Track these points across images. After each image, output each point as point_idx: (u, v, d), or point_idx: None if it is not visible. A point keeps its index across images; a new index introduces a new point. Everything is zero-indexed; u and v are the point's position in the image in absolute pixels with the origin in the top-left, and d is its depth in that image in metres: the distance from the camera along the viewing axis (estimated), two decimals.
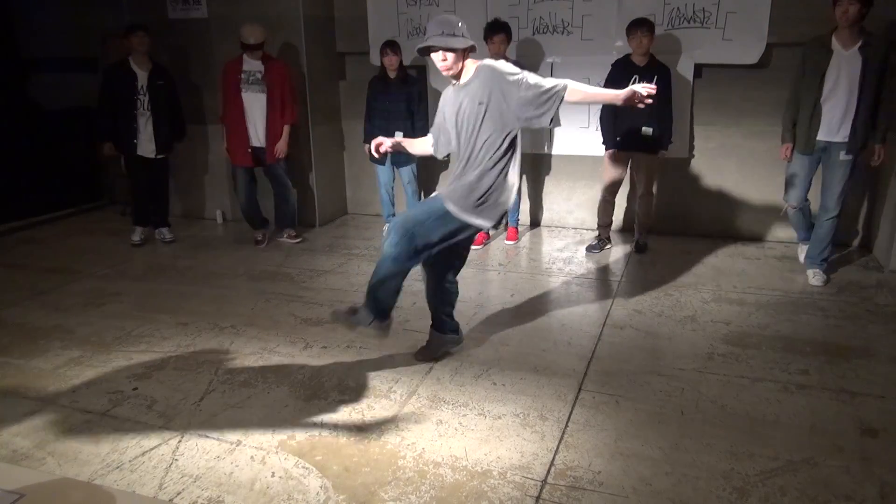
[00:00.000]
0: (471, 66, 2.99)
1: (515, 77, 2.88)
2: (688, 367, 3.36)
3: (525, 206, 6.02)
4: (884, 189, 4.86)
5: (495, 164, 2.96)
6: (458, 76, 3.00)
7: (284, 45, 5.71)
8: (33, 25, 6.97)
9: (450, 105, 3.07)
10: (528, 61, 5.42)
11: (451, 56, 2.91)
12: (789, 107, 4.37)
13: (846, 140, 4.12)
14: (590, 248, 5.25)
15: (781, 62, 4.89)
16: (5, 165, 6.17)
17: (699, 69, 5.19)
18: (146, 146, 5.42)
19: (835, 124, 4.13)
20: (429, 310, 3.43)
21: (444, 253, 3.12)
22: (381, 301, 3.11)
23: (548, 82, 2.87)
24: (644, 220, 5.17)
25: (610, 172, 5.04)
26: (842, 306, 4.08)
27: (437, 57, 2.93)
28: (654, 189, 5.12)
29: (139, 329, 3.94)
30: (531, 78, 2.88)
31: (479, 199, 2.97)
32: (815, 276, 4.44)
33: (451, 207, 2.97)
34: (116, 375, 3.39)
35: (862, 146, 4.16)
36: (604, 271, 4.80)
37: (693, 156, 5.39)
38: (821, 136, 4.19)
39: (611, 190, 5.12)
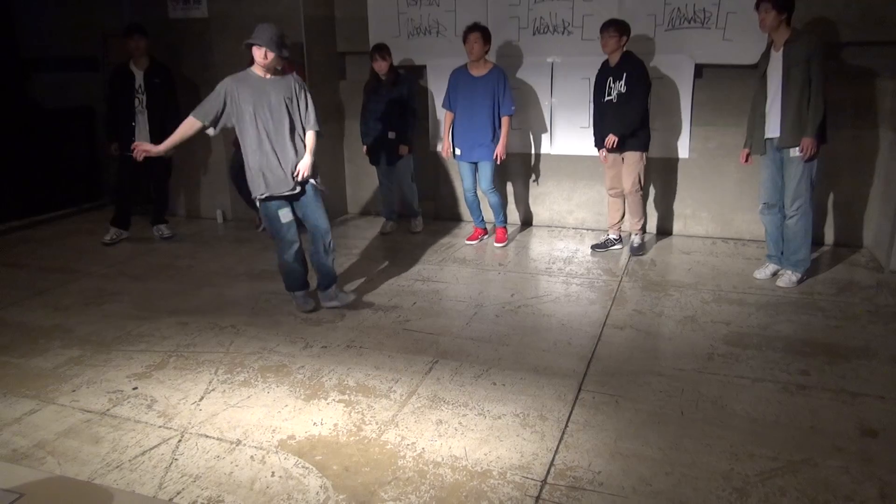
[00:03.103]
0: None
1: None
2: (688, 367, 3.36)
3: (525, 206, 6.03)
4: (882, 188, 4.86)
5: None
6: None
7: None
8: (33, 25, 6.97)
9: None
10: (529, 61, 5.43)
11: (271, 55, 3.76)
12: (750, 112, 4.45)
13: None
14: (594, 248, 5.28)
15: None
16: (5, 165, 6.17)
17: (699, 69, 5.20)
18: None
19: (774, 122, 4.19)
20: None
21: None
22: None
23: None
24: (631, 221, 5.14)
25: (607, 173, 5.15)
26: (842, 306, 4.08)
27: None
28: (636, 188, 4.97)
29: (139, 328, 3.94)
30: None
31: None
32: (782, 277, 4.43)
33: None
34: (116, 375, 3.39)
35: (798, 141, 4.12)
36: (604, 271, 4.80)
37: (693, 156, 5.39)
38: (769, 135, 4.25)
39: (611, 189, 5.17)
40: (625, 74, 4.78)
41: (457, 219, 6.23)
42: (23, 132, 6.42)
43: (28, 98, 7.05)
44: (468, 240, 5.52)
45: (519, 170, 5.91)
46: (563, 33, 5.42)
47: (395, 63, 5.67)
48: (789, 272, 4.42)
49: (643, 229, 5.21)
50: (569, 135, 5.62)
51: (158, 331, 3.91)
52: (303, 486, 2.51)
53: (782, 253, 4.49)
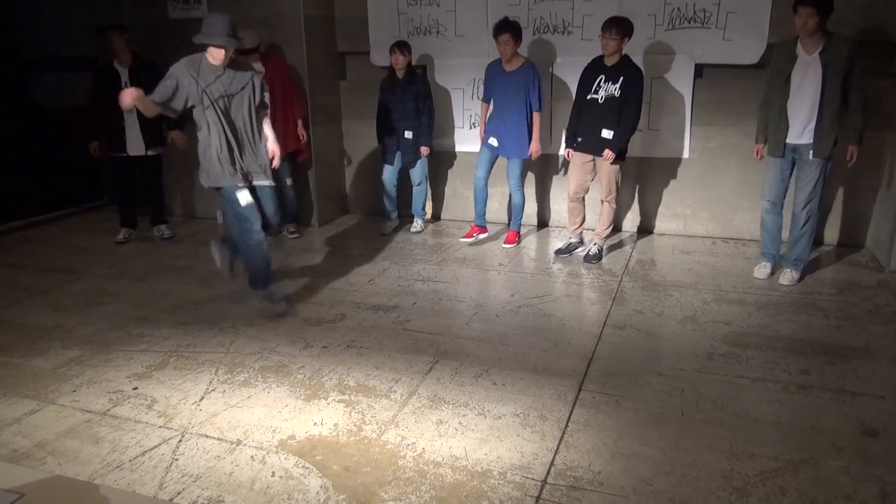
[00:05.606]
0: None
1: None
2: (688, 367, 3.36)
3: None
4: (882, 188, 4.86)
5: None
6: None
7: (285, 45, 5.71)
8: (33, 25, 6.97)
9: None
10: None
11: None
12: (762, 108, 4.39)
13: (811, 142, 4.14)
14: (558, 252, 5.15)
15: None
16: (5, 165, 6.17)
17: (699, 69, 5.20)
18: (136, 144, 5.42)
19: (800, 127, 4.15)
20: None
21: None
22: None
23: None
24: (599, 228, 4.99)
25: (573, 175, 4.94)
26: (842, 306, 4.08)
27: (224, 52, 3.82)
28: (612, 195, 4.84)
29: (139, 329, 3.94)
30: None
31: None
32: (783, 276, 4.45)
33: None
34: (116, 375, 3.39)
35: (833, 148, 4.13)
36: (604, 271, 4.80)
37: (693, 156, 5.39)
38: (789, 140, 4.22)
39: (575, 195, 4.98)
40: (622, 78, 4.54)
41: (457, 219, 6.23)
42: (23, 132, 6.41)
43: (28, 98, 7.05)
44: (464, 237, 5.52)
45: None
46: (563, 33, 5.42)
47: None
48: (790, 270, 4.43)
49: (606, 238, 5.06)
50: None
51: (158, 331, 3.91)
52: (303, 486, 2.51)
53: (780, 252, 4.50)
